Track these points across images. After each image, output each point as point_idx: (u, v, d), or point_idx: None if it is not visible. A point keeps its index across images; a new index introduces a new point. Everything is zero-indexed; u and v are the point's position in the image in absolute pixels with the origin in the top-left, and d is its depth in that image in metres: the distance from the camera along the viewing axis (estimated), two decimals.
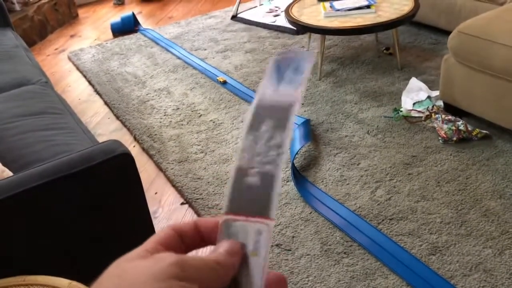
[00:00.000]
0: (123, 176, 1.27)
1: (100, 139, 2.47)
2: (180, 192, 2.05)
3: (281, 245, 1.73)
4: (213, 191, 2.02)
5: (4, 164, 1.40)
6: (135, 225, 1.39)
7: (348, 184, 1.97)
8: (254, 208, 0.33)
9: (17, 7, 3.81)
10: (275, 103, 0.36)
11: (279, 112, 0.35)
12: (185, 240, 0.33)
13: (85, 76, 3.22)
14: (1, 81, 2.10)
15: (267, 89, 0.37)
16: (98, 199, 1.27)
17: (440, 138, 2.15)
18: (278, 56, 0.38)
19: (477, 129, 2.12)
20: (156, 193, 2.08)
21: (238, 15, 3.85)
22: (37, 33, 3.92)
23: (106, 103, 2.85)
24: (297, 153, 2.14)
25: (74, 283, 1.02)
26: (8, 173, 1.33)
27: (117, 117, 2.69)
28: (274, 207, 0.33)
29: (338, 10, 2.69)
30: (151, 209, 1.96)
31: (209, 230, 0.34)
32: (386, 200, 1.86)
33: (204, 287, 0.29)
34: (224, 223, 0.33)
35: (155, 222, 1.82)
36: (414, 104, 2.39)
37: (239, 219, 0.33)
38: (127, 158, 1.23)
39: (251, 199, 0.33)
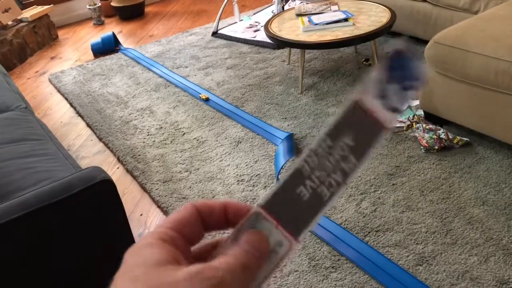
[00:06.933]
0: (105, 203, 1.26)
1: (83, 162, 2.45)
2: (165, 212, 2.04)
3: None
4: None
5: None
6: (119, 251, 1.37)
7: None
8: (289, 221, 0.32)
9: None
10: (367, 117, 0.31)
11: (365, 132, 0.31)
12: (208, 219, 0.33)
13: (66, 99, 3.20)
14: None
15: (369, 93, 0.31)
16: (81, 227, 1.26)
17: (422, 147, 2.17)
18: (400, 48, 0.31)
19: (458, 137, 2.14)
20: (141, 214, 2.06)
21: (219, 32, 3.87)
22: (17, 56, 3.89)
23: (88, 125, 2.83)
24: (282, 168, 2.14)
25: None
26: None
27: (100, 139, 2.67)
28: (306, 232, 0.32)
29: (317, 24, 2.72)
30: (137, 231, 1.95)
31: (237, 214, 0.33)
32: (372, 212, 1.87)
33: None
34: (255, 214, 0.32)
35: None
36: None
37: (271, 220, 0.32)
38: (108, 185, 1.22)
39: (291, 210, 0.32)
